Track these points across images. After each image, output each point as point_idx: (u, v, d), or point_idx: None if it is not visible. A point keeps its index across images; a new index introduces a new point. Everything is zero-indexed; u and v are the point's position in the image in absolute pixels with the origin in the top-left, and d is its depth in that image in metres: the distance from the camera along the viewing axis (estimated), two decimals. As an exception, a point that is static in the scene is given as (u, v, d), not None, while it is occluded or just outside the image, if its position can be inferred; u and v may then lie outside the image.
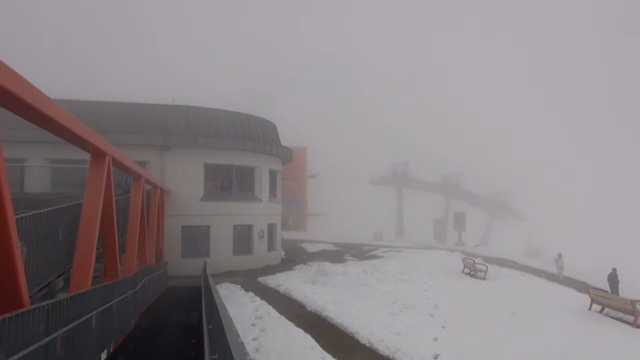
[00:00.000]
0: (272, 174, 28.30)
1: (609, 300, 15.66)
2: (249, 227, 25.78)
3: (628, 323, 14.58)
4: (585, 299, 17.27)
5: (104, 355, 8.11)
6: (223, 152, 24.28)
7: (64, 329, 5.68)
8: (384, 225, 55.58)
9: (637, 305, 14.40)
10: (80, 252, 7.84)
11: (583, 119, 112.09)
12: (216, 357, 5.60)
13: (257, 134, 26.20)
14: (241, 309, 15.15)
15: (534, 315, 15.00)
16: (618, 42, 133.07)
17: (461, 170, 61.47)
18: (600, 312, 15.99)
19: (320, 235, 47.11)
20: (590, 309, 16.44)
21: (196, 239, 23.59)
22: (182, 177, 23.13)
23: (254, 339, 12.13)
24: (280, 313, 14.73)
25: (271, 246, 27.76)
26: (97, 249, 8.57)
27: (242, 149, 24.83)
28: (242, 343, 3.74)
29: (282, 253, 30.50)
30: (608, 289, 19.00)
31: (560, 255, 24.53)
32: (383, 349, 11.44)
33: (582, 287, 22.15)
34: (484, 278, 22.51)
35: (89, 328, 6.89)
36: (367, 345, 11.91)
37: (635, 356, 11.56)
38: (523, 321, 14.21)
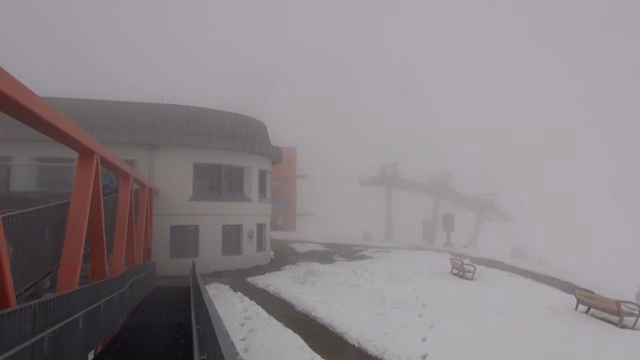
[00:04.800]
0: (262, 174, 28.25)
1: (595, 301, 15.84)
2: (238, 227, 25.69)
3: (613, 323, 14.76)
4: (572, 299, 17.47)
5: (91, 356, 8.04)
6: (212, 152, 24.18)
7: (51, 329, 5.62)
8: (373, 225, 55.70)
9: (621, 306, 14.60)
10: (67, 252, 7.76)
11: (572, 119, 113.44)
12: (205, 357, 5.58)
13: (247, 134, 26.13)
14: (230, 309, 15.10)
15: (521, 316, 15.13)
16: (610, 42, 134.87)
17: (450, 171, 61.90)
18: (586, 312, 16.18)
19: (309, 235, 47.08)
20: (576, 309, 16.63)
21: (185, 239, 23.46)
22: (170, 177, 22.99)
23: (243, 339, 12.10)
24: (269, 313, 14.69)
25: (260, 246, 27.70)
26: (84, 248, 8.50)
27: (232, 148, 24.76)
28: (232, 343, 3.73)
29: (271, 253, 30.45)
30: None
31: None
32: (372, 349, 11.47)
33: (568, 287, 22.39)
34: (472, 278, 22.65)
35: (76, 328, 6.83)
36: (356, 345, 11.93)
37: (619, 356, 11.72)
38: (510, 321, 14.33)
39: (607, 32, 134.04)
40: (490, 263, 28.81)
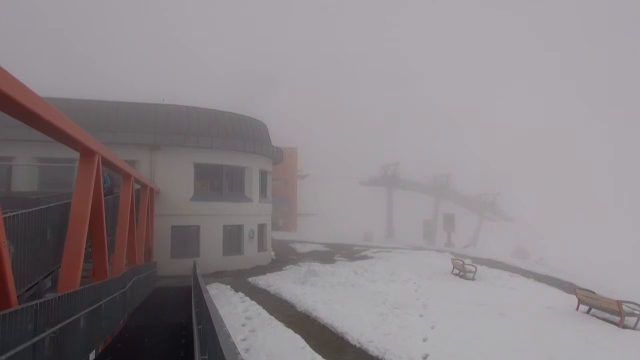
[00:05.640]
0: (263, 174, 28.24)
1: (596, 301, 15.81)
2: (239, 227, 25.70)
3: (614, 323, 14.74)
4: (573, 299, 17.45)
5: (92, 356, 8.04)
6: (213, 152, 24.18)
7: (52, 329, 5.63)
8: (374, 226, 55.74)
9: (622, 306, 14.57)
10: (68, 252, 7.77)
11: (574, 119, 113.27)
12: (206, 357, 5.59)
13: (248, 134, 26.13)
14: (231, 309, 15.10)
15: (522, 316, 15.11)
16: (609, 40, 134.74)
17: (450, 172, 61.87)
18: (587, 312, 16.16)
19: (310, 235, 47.09)
20: (577, 309, 16.61)
21: (186, 239, 23.47)
22: (172, 177, 23.01)
23: (244, 339, 12.09)
24: (270, 313, 14.69)
25: (261, 246, 27.70)
26: (85, 248, 8.50)
27: (233, 149, 24.76)
28: (233, 343, 3.73)
29: (272, 253, 30.44)
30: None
31: None
32: (373, 349, 11.46)
33: (569, 287, 22.36)
34: (472, 279, 22.63)
35: (77, 328, 6.83)
36: (357, 345, 11.92)
37: (621, 356, 11.70)
38: (511, 321, 14.31)
39: (608, 32, 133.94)
40: (491, 263, 28.79)
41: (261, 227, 27.62)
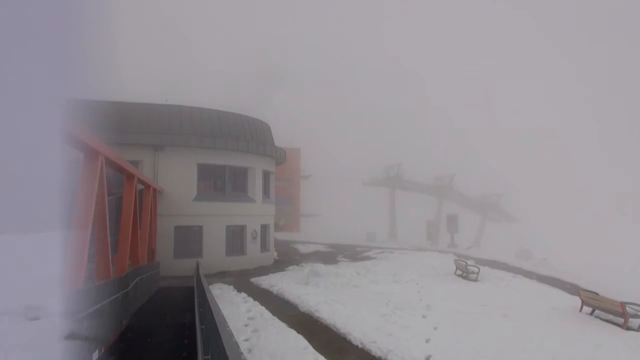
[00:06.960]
0: (266, 175, 28.28)
1: (599, 303, 15.75)
2: (242, 228, 25.73)
3: (618, 325, 14.68)
4: (576, 300, 17.39)
5: (95, 356, 8.06)
6: (216, 153, 24.22)
7: (56, 329, 5.65)
8: (376, 226, 55.70)
9: (626, 308, 14.51)
10: (72, 252, 7.79)
11: (575, 121, 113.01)
12: (209, 357, 5.60)
13: (251, 135, 26.17)
14: (233, 309, 15.11)
15: (526, 317, 15.08)
16: (609, 43, 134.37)
17: (454, 172, 61.71)
18: (591, 314, 16.10)
19: (313, 236, 47.13)
20: (581, 310, 16.55)
21: (189, 239, 23.52)
22: (175, 177, 23.06)
23: (246, 340, 12.11)
24: (273, 314, 14.70)
25: (264, 247, 27.72)
26: (89, 248, 8.53)
27: (236, 149, 24.79)
28: (236, 343, 3.74)
29: (275, 254, 30.47)
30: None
31: None
32: (375, 350, 11.46)
33: (572, 288, 22.29)
34: (476, 280, 22.59)
35: (80, 328, 6.85)
36: (360, 346, 11.92)
37: (624, 358, 11.65)
38: (514, 322, 14.28)
39: (610, 33, 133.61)
40: (494, 264, 28.73)
41: (264, 228, 27.65)
